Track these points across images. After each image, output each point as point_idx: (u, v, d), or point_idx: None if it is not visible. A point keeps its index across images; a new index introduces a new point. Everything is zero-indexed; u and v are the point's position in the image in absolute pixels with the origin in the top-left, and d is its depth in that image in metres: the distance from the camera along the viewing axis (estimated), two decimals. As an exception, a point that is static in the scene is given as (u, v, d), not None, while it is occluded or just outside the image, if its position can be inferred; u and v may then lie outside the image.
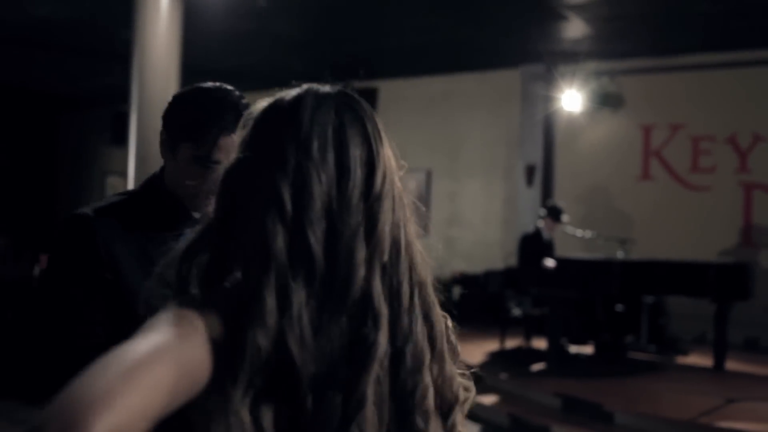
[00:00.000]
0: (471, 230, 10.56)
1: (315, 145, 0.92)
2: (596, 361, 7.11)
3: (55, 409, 0.68)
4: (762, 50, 8.23)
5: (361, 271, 0.89)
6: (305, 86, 1.02)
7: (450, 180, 10.76)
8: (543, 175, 9.86)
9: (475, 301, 9.00)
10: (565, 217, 7.54)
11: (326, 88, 1.03)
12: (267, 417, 0.82)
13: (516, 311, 7.46)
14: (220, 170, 0.98)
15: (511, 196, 10.13)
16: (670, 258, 7.07)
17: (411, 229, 0.99)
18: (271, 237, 0.86)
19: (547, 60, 9.52)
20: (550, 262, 7.33)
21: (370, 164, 0.95)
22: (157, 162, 1.77)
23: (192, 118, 1.56)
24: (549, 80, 9.64)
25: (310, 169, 0.91)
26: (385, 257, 0.92)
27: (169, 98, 1.65)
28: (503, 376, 6.35)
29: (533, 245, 7.54)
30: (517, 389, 6.08)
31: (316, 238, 0.88)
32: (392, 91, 11.01)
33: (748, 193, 8.39)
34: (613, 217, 9.09)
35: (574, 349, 7.37)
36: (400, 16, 7.82)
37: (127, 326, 1.24)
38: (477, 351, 7.26)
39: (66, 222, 1.58)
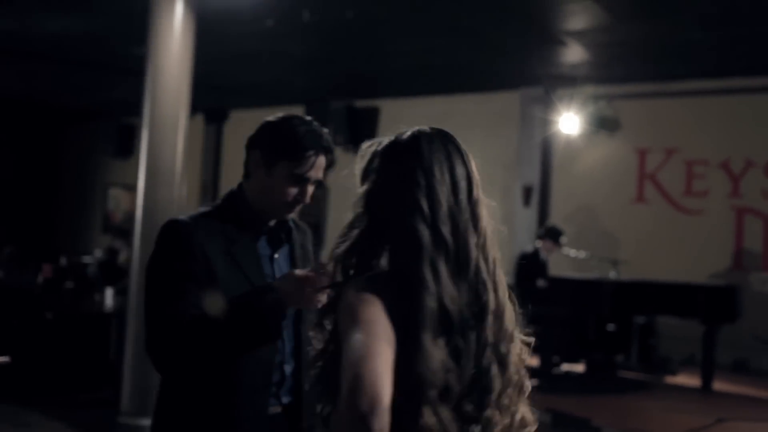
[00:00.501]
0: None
1: (436, 168, 1.36)
2: (587, 379, 7.26)
3: (354, 389, 1.12)
4: (754, 78, 8.44)
5: (475, 253, 1.33)
6: (415, 129, 1.48)
7: (448, 199, 10.92)
8: (540, 195, 10.03)
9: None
10: (564, 239, 7.70)
11: (428, 129, 1.47)
12: (441, 348, 1.25)
13: (510, 329, 7.60)
14: (311, 187, 1.89)
15: (507, 217, 10.30)
16: (661, 279, 7.23)
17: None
18: (421, 234, 1.29)
19: (546, 83, 9.72)
20: (541, 282, 7.49)
21: (469, 179, 1.41)
22: (165, 174, 2.16)
23: (292, 140, 1.90)
24: (547, 103, 9.84)
25: (435, 185, 1.35)
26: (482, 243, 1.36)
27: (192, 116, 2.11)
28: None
29: (530, 264, 7.70)
30: (509, 404, 6.20)
31: (447, 232, 1.31)
32: (393, 111, 11.22)
33: (740, 217, 8.56)
34: (607, 238, 9.25)
35: (565, 366, 7.51)
36: (402, 38, 8.02)
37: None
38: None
39: (168, 226, 1.90)
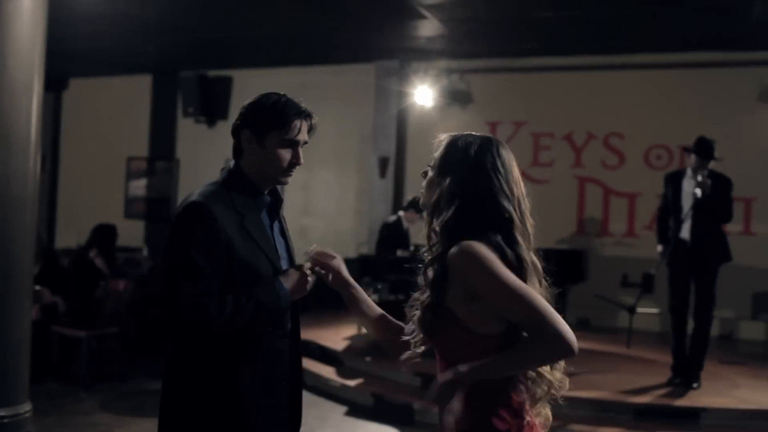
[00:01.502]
0: (324, 220, 10.76)
1: (500, 164, 1.85)
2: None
3: (547, 324, 1.63)
4: (596, 56, 9.02)
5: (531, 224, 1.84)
6: (468, 133, 1.97)
7: (304, 170, 10.83)
8: (395, 167, 10.22)
9: (330, 288, 9.19)
10: None
11: (478, 134, 1.97)
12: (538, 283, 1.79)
13: (373, 297, 7.73)
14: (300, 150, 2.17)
15: (364, 187, 10.42)
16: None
17: None
18: (509, 210, 1.78)
19: (401, 56, 9.89)
20: (401, 251, 7.66)
21: (516, 169, 1.88)
22: (19, 144, 2.16)
23: (275, 112, 2.13)
24: (402, 76, 10.02)
25: (506, 174, 1.84)
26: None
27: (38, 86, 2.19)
28: (367, 359, 6.59)
29: (392, 233, 7.84)
30: (379, 371, 6.33)
31: (518, 210, 1.80)
32: (247, 81, 10.96)
33: (582, 186, 9.18)
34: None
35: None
36: (256, 6, 7.82)
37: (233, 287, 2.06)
38: (336, 336, 7.46)
39: (191, 210, 2.06)
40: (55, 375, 6.31)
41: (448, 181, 1.83)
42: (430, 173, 1.94)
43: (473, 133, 1.95)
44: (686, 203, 5.80)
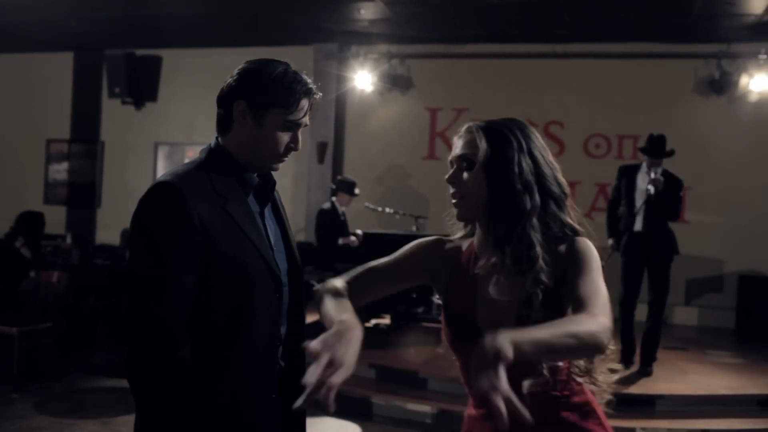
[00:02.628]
0: (259, 207, 10.47)
1: (538, 149, 1.80)
2: (394, 332, 7.43)
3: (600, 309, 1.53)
4: (537, 44, 9.05)
5: None
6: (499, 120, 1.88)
7: (238, 155, 10.55)
8: (334, 152, 10.02)
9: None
10: (357, 190, 7.75)
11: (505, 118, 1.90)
12: None
13: (318, 287, 7.52)
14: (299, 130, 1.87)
15: (301, 173, 10.18)
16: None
17: None
18: (558, 194, 1.77)
19: (341, 40, 9.67)
20: (354, 238, 7.51)
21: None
22: None
23: (281, 87, 1.79)
24: (342, 60, 9.81)
25: (540, 160, 1.77)
26: None
27: None
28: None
29: (331, 220, 7.66)
30: (331, 363, 6.16)
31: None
32: (177, 61, 10.53)
33: (522, 173, 9.22)
34: (402, 193, 9.52)
35: (373, 321, 7.64)
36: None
37: (212, 280, 1.70)
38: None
39: (157, 190, 1.70)
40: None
41: (510, 174, 1.72)
42: (477, 168, 1.73)
43: (496, 119, 1.87)
44: (639, 198, 5.90)
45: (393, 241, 7.51)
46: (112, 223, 10.43)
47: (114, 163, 10.89)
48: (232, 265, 1.72)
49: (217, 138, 1.87)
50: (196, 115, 10.60)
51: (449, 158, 1.79)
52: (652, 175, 5.75)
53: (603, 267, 5.19)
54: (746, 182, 8.52)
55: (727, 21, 7.88)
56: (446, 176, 1.77)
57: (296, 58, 9.88)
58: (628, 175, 6.06)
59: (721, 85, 8.46)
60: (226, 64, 9.83)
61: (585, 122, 9.04)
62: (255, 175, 1.86)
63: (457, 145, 1.80)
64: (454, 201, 1.77)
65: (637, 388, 5.45)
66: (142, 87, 10.50)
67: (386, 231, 7.88)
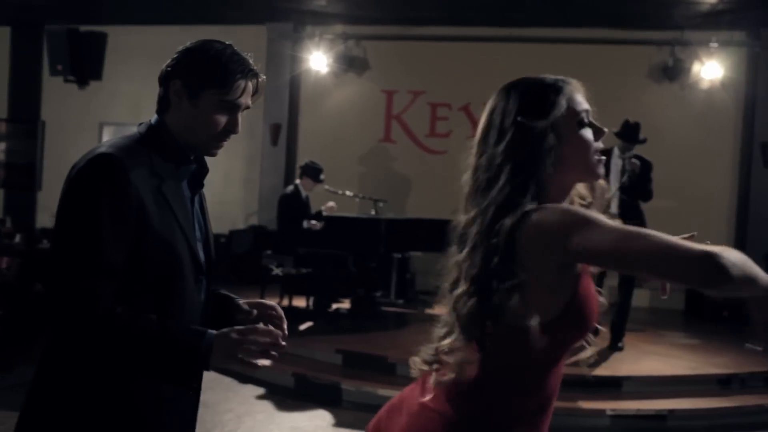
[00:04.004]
0: (209, 190, 10.10)
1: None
2: (354, 316, 7.36)
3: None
4: (494, 28, 9.04)
5: None
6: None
7: (188, 137, 10.28)
8: (288, 134, 9.85)
9: (220, 262, 8.76)
10: (323, 176, 7.62)
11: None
12: None
13: (278, 271, 7.41)
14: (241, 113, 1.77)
15: (253, 155, 9.97)
16: (423, 217, 7.50)
17: None
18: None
19: (295, 19, 9.48)
20: (306, 223, 7.39)
21: None
22: None
23: (218, 67, 1.72)
24: (296, 40, 9.63)
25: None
26: None
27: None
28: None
29: (295, 204, 7.52)
30: (295, 349, 6.05)
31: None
32: (123, 38, 10.13)
33: (479, 157, 9.23)
34: (358, 176, 9.43)
35: (333, 305, 7.56)
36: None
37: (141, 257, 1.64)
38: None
39: (98, 162, 1.62)
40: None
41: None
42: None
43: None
44: (614, 181, 6.01)
45: (353, 225, 7.48)
46: (53, 206, 10.01)
47: (56, 144, 10.45)
48: (161, 247, 1.67)
49: (157, 117, 1.81)
50: (144, 94, 10.21)
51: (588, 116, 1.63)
52: (627, 162, 5.94)
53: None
54: (696, 166, 8.73)
55: (681, 9, 8.03)
56: (598, 144, 1.61)
57: (249, 37, 9.72)
58: None
59: (674, 72, 8.63)
60: (175, 42, 9.52)
61: (541, 106, 9.08)
62: (192, 158, 1.81)
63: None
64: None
65: (604, 370, 5.52)
66: (85, 65, 10.03)
67: (347, 214, 7.78)
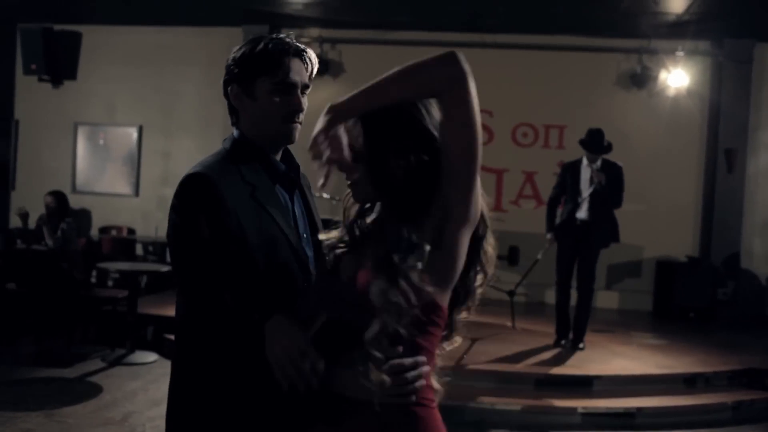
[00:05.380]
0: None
1: None
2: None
3: None
4: (467, 33, 9.21)
5: None
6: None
7: (163, 137, 10.30)
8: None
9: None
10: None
11: None
12: None
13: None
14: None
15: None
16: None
17: None
18: None
19: (271, 22, 9.55)
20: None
21: None
22: None
23: (261, 56, 1.79)
24: (272, 42, 9.69)
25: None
26: None
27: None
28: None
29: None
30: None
31: None
32: (98, 38, 10.12)
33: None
34: (336, 179, 9.51)
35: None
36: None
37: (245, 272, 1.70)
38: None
39: (190, 184, 1.71)
40: None
41: None
42: None
43: None
44: (584, 188, 6.20)
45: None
46: (27, 206, 9.98)
47: (29, 144, 10.41)
48: (263, 253, 1.73)
49: (234, 128, 1.89)
50: (119, 94, 10.27)
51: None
52: (592, 173, 6.10)
53: (538, 257, 5.45)
54: (663, 172, 8.99)
55: (649, 18, 8.27)
56: None
57: (225, 39, 9.76)
58: (571, 170, 6.36)
59: (642, 80, 8.89)
60: (150, 42, 9.67)
61: (513, 111, 9.28)
62: (279, 159, 1.88)
63: None
64: None
65: (575, 369, 5.72)
66: (60, 64, 10.01)
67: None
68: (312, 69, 1.87)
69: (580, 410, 5.18)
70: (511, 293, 7.16)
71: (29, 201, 9.90)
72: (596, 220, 6.20)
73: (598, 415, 5.18)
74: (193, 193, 1.70)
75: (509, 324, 7.17)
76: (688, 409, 5.31)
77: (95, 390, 5.46)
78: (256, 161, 1.82)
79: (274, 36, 1.84)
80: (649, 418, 5.20)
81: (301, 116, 1.85)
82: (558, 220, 6.45)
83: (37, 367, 6.00)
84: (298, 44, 1.84)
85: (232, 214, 1.69)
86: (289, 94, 1.81)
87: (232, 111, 1.87)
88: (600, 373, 5.66)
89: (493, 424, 5.05)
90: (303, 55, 1.84)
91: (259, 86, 1.80)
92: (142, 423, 4.81)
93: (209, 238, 1.66)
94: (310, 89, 1.87)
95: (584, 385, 5.53)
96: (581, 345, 6.30)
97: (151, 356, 6.42)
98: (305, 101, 1.85)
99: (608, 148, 6.25)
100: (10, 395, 5.28)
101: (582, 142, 6.28)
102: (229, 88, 1.84)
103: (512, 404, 5.18)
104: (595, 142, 6.19)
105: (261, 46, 1.80)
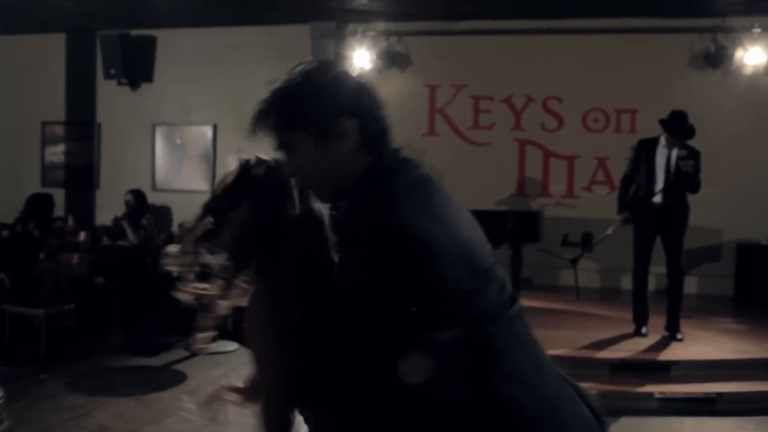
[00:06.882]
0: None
1: None
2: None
3: None
4: (534, 20, 9.14)
5: None
6: None
7: (237, 134, 10.55)
8: (333, 130, 10.07)
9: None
10: None
11: None
12: None
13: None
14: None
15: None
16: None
17: None
18: None
19: (338, 18, 9.69)
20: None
21: None
22: None
23: (354, 94, 1.54)
24: (339, 38, 9.84)
25: None
26: None
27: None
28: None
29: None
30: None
31: None
32: (171, 41, 10.48)
33: (522, 148, 9.36)
34: (405, 171, 9.60)
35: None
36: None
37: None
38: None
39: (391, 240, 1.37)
40: (5, 357, 5.92)
41: None
42: None
43: None
44: (659, 173, 6.05)
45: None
46: (111, 205, 10.42)
47: (111, 145, 10.85)
48: None
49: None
50: (193, 94, 10.59)
51: None
52: (679, 156, 5.93)
53: (608, 232, 5.39)
54: (742, 153, 8.73)
55: (723, -5, 8.04)
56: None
57: (293, 36, 10.00)
58: (647, 149, 6.20)
59: (717, 59, 8.63)
60: (221, 43, 9.86)
61: (583, 97, 9.17)
62: None
63: None
64: None
65: (653, 355, 5.65)
66: (137, 67, 10.45)
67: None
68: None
69: (657, 395, 5.13)
70: (574, 261, 7.11)
71: (112, 200, 10.35)
72: (674, 204, 6.05)
73: (676, 400, 5.13)
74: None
75: (575, 308, 7.12)
76: (770, 394, 5.19)
77: (180, 377, 5.70)
78: None
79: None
80: (729, 404, 5.11)
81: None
82: (630, 200, 6.30)
83: (124, 356, 6.30)
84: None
85: None
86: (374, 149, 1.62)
87: None
88: (677, 357, 5.58)
89: (569, 409, 5.04)
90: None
91: (345, 129, 1.57)
92: (225, 408, 5.00)
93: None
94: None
95: (661, 370, 5.46)
96: (679, 336, 6.07)
97: (232, 345, 6.65)
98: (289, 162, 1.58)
99: (692, 132, 6.03)
100: (101, 382, 5.57)
101: (663, 123, 6.06)
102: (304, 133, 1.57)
103: (587, 389, 5.15)
104: (679, 126, 5.96)
105: (344, 82, 1.60)
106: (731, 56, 8.63)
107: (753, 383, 5.38)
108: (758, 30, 8.50)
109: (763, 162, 8.82)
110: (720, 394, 5.14)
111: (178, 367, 6.03)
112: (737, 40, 8.62)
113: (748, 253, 8.36)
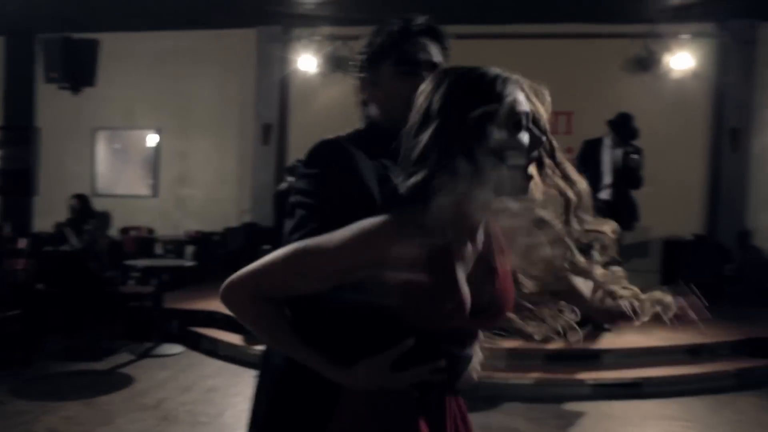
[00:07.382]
0: (203, 189, 10.56)
1: None
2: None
3: None
4: (474, 25, 9.39)
5: None
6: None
7: (180, 139, 10.59)
8: (278, 133, 10.19)
9: (213, 259, 9.09)
10: None
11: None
12: None
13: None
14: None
15: (245, 155, 10.31)
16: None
17: None
18: None
19: (284, 22, 9.81)
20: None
21: None
22: None
23: (381, 44, 1.72)
24: (285, 42, 9.96)
25: None
26: None
27: None
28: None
29: (286, 200, 7.88)
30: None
31: None
32: (116, 45, 10.43)
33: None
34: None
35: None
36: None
37: None
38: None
39: (328, 146, 1.64)
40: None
41: None
42: None
43: None
44: (606, 172, 6.37)
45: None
46: (50, 211, 10.33)
47: (51, 149, 10.76)
48: None
49: (365, 119, 1.84)
50: (137, 99, 10.57)
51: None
52: (627, 155, 6.31)
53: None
54: (670, 153, 9.14)
55: (653, 3, 8.43)
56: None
57: (240, 40, 10.08)
58: (593, 149, 6.53)
59: (647, 63, 9.05)
60: (166, 47, 9.88)
61: (521, 100, 9.44)
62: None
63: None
64: None
65: (583, 345, 5.92)
66: (79, 71, 10.34)
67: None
68: (444, 44, 1.80)
69: (589, 382, 5.39)
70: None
71: (52, 206, 10.26)
72: (620, 201, 6.37)
73: (606, 386, 5.40)
74: (334, 159, 1.59)
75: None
76: (692, 377, 5.52)
77: (127, 380, 5.74)
78: (387, 144, 1.56)
79: (400, 19, 1.76)
80: (655, 387, 5.41)
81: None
82: None
83: (69, 361, 6.29)
84: (422, 23, 1.76)
85: (364, 182, 1.56)
86: (413, 75, 1.69)
87: (365, 109, 1.80)
88: (608, 347, 5.87)
89: (507, 397, 5.28)
90: (430, 31, 1.77)
91: (382, 73, 1.73)
92: (175, 408, 5.09)
93: (344, 207, 1.47)
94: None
95: (593, 358, 5.74)
96: (606, 326, 6.39)
97: (178, 348, 6.72)
98: None
99: (637, 132, 6.41)
100: (47, 387, 5.57)
101: (611, 124, 6.39)
102: (363, 87, 1.78)
103: (524, 379, 5.41)
104: (626, 126, 6.33)
105: (377, 37, 1.75)
106: (660, 61, 9.04)
107: (677, 367, 5.71)
108: (686, 36, 8.93)
109: (689, 161, 9.26)
110: (646, 379, 5.44)
111: (125, 370, 6.06)
112: (666, 46, 9.04)
113: (674, 248, 8.77)
